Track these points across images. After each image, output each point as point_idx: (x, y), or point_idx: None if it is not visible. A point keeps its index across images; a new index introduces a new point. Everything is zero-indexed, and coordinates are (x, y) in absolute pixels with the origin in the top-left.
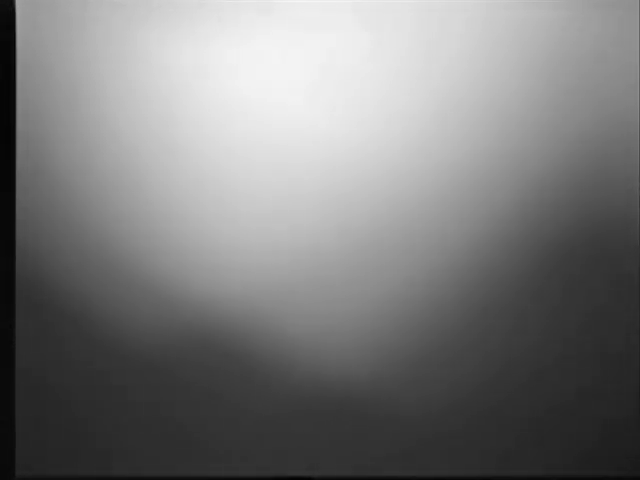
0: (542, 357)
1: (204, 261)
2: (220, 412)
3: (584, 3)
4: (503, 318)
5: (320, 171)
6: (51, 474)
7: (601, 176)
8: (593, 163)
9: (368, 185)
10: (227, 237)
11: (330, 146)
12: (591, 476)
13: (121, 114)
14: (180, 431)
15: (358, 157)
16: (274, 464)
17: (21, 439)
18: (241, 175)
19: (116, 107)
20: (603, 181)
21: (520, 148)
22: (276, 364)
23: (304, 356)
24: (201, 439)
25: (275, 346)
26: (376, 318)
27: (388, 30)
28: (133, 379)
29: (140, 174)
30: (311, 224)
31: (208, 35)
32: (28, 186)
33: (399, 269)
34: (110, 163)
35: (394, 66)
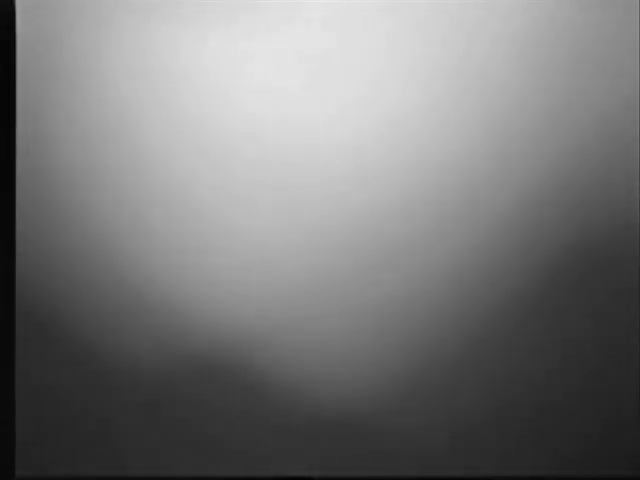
0: (542, 358)
1: (204, 262)
2: (219, 430)
3: (584, 4)
4: (503, 319)
5: (319, 175)
6: (51, 474)
7: (601, 177)
8: (593, 164)
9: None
10: (225, 246)
11: (331, 147)
12: (591, 476)
13: (122, 113)
14: (180, 432)
15: (359, 160)
16: (274, 467)
17: (21, 439)
18: (243, 178)
19: (117, 106)
20: (603, 182)
21: (521, 150)
22: (278, 382)
23: (304, 373)
24: (201, 440)
25: (276, 363)
26: (375, 329)
27: (388, 29)
28: (133, 379)
29: (142, 175)
30: (312, 237)
31: (212, 34)
32: (28, 186)
33: (399, 282)
34: (111, 163)
35: (395, 67)
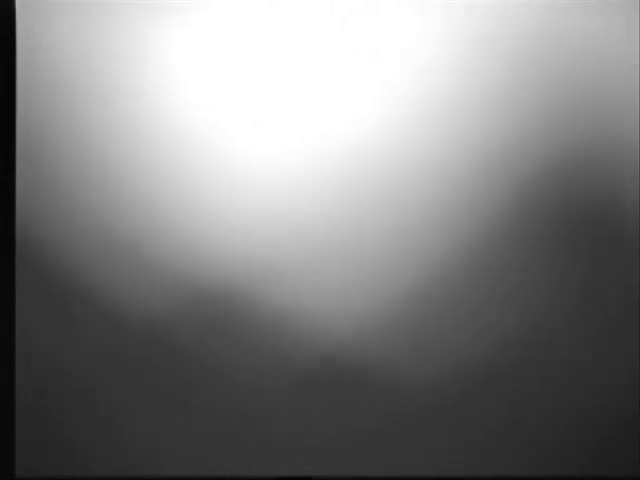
0: (543, 349)
1: (205, 232)
2: (221, 386)
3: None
4: (505, 285)
5: (316, 165)
6: (51, 474)
7: (602, 174)
8: (592, 162)
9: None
10: (226, 220)
11: (329, 142)
12: (591, 476)
13: (124, 113)
14: (181, 432)
15: (356, 154)
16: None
17: (21, 439)
18: (242, 161)
19: (118, 106)
20: (603, 178)
21: (515, 147)
22: (277, 335)
23: (305, 324)
24: (202, 436)
25: (276, 316)
26: (376, 284)
27: (386, 27)
28: (133, 379)
29: (143, 170)
30: (310, 202)
31: (212, 32)
32: (28, 187)
33: (396, 240)
34: (112, 163)
35: (393, 64)
